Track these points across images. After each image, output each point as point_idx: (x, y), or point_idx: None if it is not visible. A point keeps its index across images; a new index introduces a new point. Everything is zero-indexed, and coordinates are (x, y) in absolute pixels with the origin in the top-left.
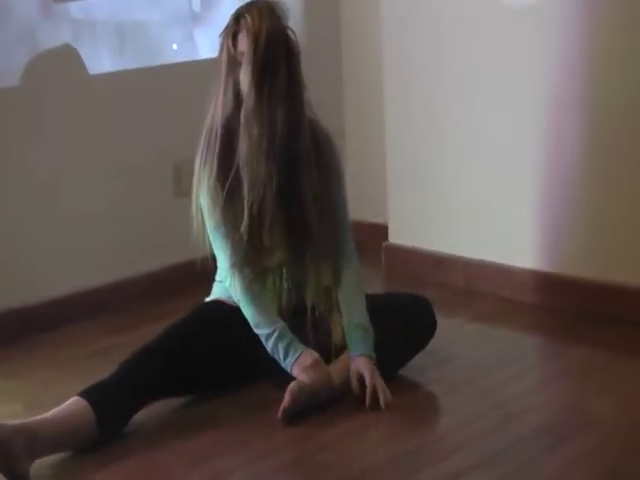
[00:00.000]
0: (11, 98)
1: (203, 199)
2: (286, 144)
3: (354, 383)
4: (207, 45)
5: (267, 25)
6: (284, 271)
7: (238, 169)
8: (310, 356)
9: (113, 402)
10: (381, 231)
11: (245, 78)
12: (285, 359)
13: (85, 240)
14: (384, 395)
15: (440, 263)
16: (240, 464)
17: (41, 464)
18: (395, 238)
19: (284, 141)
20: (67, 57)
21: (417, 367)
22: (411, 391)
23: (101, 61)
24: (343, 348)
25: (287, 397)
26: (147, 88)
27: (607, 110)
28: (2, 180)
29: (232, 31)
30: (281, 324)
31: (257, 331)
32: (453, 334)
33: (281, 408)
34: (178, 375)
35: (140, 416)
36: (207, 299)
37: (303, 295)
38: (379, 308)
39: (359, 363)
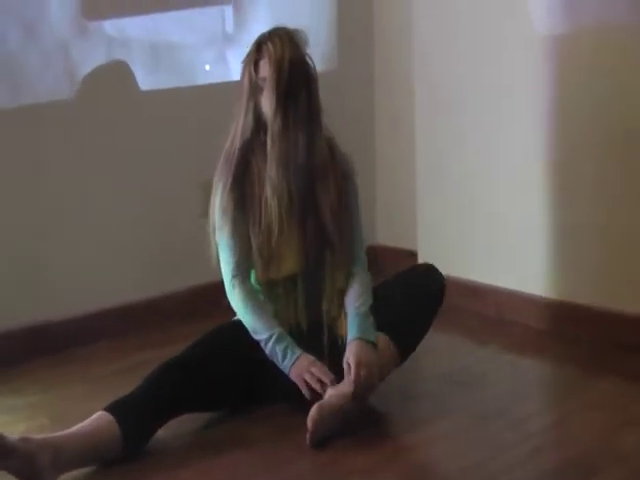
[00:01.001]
0: (44, 114)
1: (215, 212)
2: (306, 162)
3: (345, 369)
4: (239, 66)
5: (289, 53)
6: (298, 283)
7: (253, 185)
8: (306, 360)
9: (138, 416)
10: (411, 258)
11: (268, 103)
12: (283, 361)
13: (113, 258)
14: (364, 374)
15: (471, 291)
16: None
17: (69, 478)
18: None
19: (304, 160)
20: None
21: (446, 395)
22: (441, 420)
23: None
24: None
25: (309, 424)
26: (178, 108)
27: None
28: (29, 199)
29: (254, 58)
30: (279, 329)
31: (256, 337)
32: (480, 364)
33: (307, 436)
34: (198, 392)
35: (165, 435)
36: (235, 318)
37: (316, 309)
38: (390, 289)
39: (350, 348)
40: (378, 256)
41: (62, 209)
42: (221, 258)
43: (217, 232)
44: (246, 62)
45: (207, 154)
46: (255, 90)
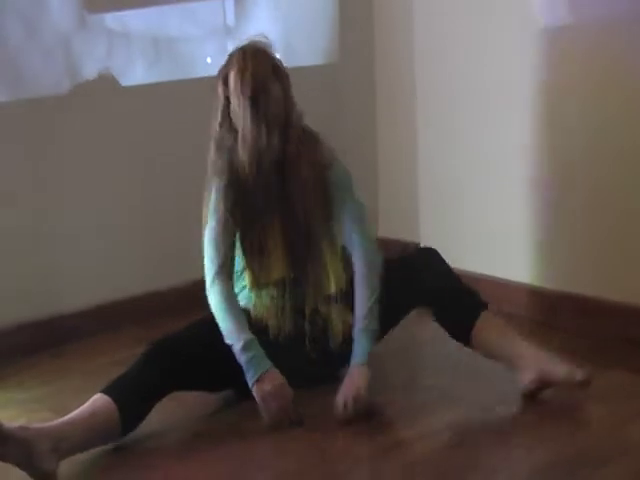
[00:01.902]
0: (45, 108)
1: (207, 210)
2: (276, 159)
3: (341, 394)
4: None
5: (252, 60)
6: (286, 284)
7: (242, 187)
8: (271, 383)
9: (134, 394)
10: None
11: (236, 109)
12: (247, 374)
13: (116, 252)
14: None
15: (474, 283)
16: (270, 478)
17: (70, 463)
18: None
19: (275, 156)
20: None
21: (444, 389)
22: (439, 413)
23: (135, 73)
24: (343, 356)
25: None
26: (180, 101)
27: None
28: (32, 192)
29: (224, 74)
30: (247, 336)
31: (226, 341)
32: (476, 356)
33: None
34: (191, 369)
35: (169, 427)
36: None
37: (303, 308)
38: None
39: (350, 375)
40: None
41: (62, 204)
42: (206, 254)
43: (206, 228)
44: (216, 80)
45: (208, 147)
46: (227, 101)
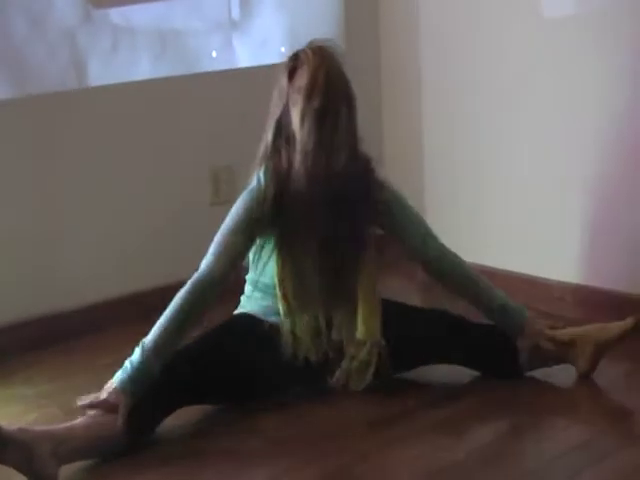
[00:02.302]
0: (49, 103)
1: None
2: (339, 187)
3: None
4: (246, 53)
5: (327, 62)
6: (319, 318)
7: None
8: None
9: (141, 409)
10: None
11: (298, 115)
12: (119, 374)
13: (122, 246)
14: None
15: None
16: (276, 475)
17: (72, 469)
18: None
19: (337, 184)
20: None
21: (449, 381)
22: (444, 405)
23: (140, 68)
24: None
25: None
26: (186, 95)
27: None
28: (36, 187)
29: (290, 65)
30: (143, 353)
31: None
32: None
33: None
34: (201, 386)
35: (174, 424)
36: (236, 312)
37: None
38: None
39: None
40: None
41: (69, 199)
42: (212, 246)
43: (228, 216)
44: (281, 69)
45: (216, 141)
46: (287, 99)
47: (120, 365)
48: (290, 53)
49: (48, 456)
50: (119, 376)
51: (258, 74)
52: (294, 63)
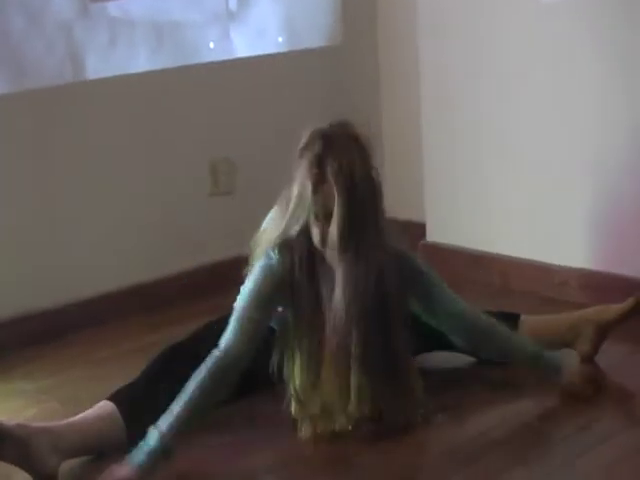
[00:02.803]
0: (47, 98)
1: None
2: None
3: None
4: (244, 43)
5: (358, 175)
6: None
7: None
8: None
9: (140, 406)
10: (419, 229)
11: (335, 233)
12: (136, 451)
13: (120, 239)
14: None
15: (478, 261)
16: (276, 462)
17: (72, 464)
18: (432, 236)
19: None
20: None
21: (452, 364)
22: (445, 394)
23: (138, 60)
24: None
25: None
26: (184, 87)
27: None
28: (35, 181)
29: (314, 175)
30: (157, 432)
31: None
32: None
33: None
34: None
35: None
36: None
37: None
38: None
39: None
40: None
41: (68, 192)
42: (237, 310)
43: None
44: (303, 173)
45: (215, 132)
46: (310, 210)
47: (119, 358)
48: (312, 150)
49: (47, 452)
50: (136, 458)
51: (256, 64)
52: (317, 172)
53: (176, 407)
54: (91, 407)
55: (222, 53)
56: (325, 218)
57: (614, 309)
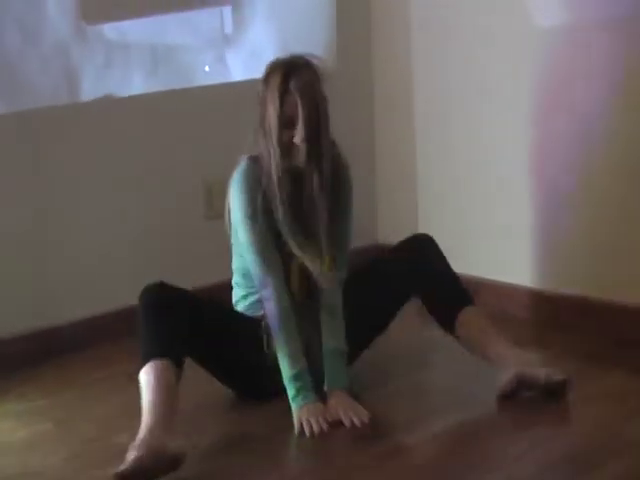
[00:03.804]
0: (43, 118)
1: (239, 209)
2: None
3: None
4: (239, 67)
5: (317, 89)
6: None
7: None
8: (313, 409)
9: (179, 345)
10: None
11: (300, 137)
12: (292, 397)
13: (115, 261)
14: (358, 418)
15: (476, 288)
16: None
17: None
18: None
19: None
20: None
21: (449, 393)
22: (443, 417)
23: (133, 83)
24: None
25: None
26: (179, 110)
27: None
28: (34, 202)
29: (280, 91)
30: (302, 365)
31: (279, 357)
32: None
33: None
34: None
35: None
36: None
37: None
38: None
39: (332, 398)
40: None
41: (63, 212)
42: (251, 253)
43: (243, 225)
44: (271, 93)
45: (210, 155)
46: (281, 123)
47: (114, 379)
48: (276, 74)
49: (175, 447)
50: (301, 399)
51: (251, 87)
52: (283, 87)
53: (285, 349)
54: (85, 427)
55: (217, 76)
56: (290, 128)
57: (540, 373)
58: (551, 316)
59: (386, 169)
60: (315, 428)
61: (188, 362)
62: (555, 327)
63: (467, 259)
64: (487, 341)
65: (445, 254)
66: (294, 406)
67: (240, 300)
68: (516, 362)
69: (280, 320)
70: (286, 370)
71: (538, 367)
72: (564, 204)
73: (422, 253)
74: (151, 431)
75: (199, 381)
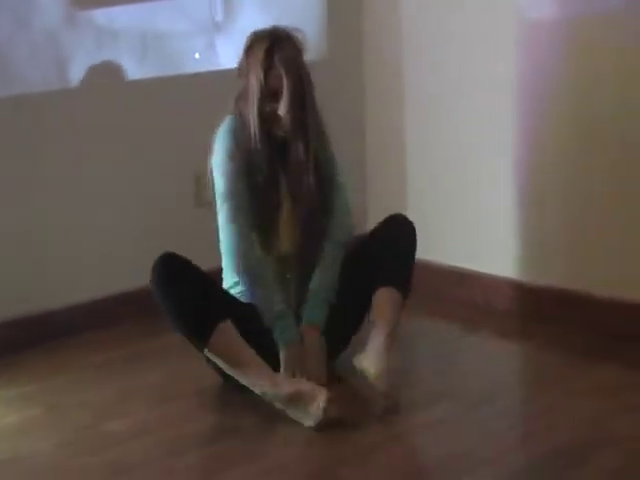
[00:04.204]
0: (34, 104)
1: (220, 163)
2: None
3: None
4: (229, 54)
5: (300, 62)
6: (290, 263)
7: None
8: (292, 352)
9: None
10: None
11: (285, 108)
12: (278, 341)
13: (106, 248)
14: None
15: (460, 279)
16: (257, 475)
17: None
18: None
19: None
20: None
21: (435, 384)
22: (430, 407)
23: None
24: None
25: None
26: (169, 97)
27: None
28: (25, 188)
29: (264, 65)
30: (280, 307)
31: (259, 307)
32: (471, 351)
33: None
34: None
35: (158, 423)
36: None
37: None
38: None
39: (305, 340)
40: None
41: (57, 199)
42: (226, 212)
43: (221, 179)
44: (254, 66)
45: (199, 144)
46: (264, 95)
47: (108, 365)
48: (259, 48)
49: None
50: (284, 340)
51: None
52: (267, 63)
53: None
54: (77, 413)
55: (207, 64)
56: (273, 101)
57: (368, 385)
58: (534, 308)
59: (376, 159)
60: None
61: (178, 348)
62: (538, 319)
63: (451, 250)
64: (374, 329)
65: (431, 244)
66: (280, 345)
67: (233, 286)
68: (375, 367)
69: (250, 275)
70: (267, 313)
71: (384, 383)
72: (547, 197)
73: (395, 237)
74: (280, 379)
75: (190, 369)
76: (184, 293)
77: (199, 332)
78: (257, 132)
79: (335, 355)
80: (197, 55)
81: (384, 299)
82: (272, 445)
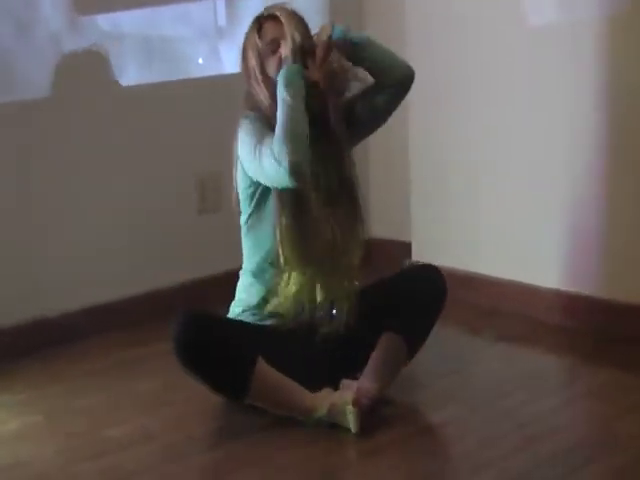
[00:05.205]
0: (37, 109)
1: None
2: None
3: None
4: (232, 59)
5: (296, 11)
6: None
7: None
8: None
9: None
10: (405, 249)
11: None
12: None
13: (106, 253)
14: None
15: (464, 282)
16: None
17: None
18: (418, 256)
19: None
20: (94, 67)
21: (439, 386)
22: (432, 411)
23: (127, 74)
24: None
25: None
26: (172, 102)
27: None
28: (22, 192)
29: (257, 25)
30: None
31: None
32: (476, 354)
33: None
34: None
35: (157, 429)
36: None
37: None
38: (390, 287)
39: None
40: (372, 248)
41: (56, 204)
42: (265, 147)
43: (249, 137)
44: (248, 42)
45: (202, 149)
46: (265, 54)
47: (106, 372)
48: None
49: None
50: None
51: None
52: (259, 21)
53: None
54: (75, 420)
55: (210, 69)
56: (275, 52)
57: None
58: (541, 311)
59: (379, 162)
60: None
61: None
62: (546, 322)
63: (458, 254)
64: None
65: (435, 247)
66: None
67: (246, 309)
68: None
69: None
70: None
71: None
72: (556, 203)
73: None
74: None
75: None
76: (211, 364)
77: (238, 393)
78: (269, 104)
79: (341, 375)
80: (200, 60)
81: (384, 346)
82: (274, 449)
